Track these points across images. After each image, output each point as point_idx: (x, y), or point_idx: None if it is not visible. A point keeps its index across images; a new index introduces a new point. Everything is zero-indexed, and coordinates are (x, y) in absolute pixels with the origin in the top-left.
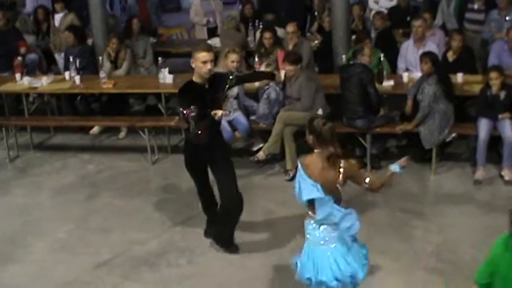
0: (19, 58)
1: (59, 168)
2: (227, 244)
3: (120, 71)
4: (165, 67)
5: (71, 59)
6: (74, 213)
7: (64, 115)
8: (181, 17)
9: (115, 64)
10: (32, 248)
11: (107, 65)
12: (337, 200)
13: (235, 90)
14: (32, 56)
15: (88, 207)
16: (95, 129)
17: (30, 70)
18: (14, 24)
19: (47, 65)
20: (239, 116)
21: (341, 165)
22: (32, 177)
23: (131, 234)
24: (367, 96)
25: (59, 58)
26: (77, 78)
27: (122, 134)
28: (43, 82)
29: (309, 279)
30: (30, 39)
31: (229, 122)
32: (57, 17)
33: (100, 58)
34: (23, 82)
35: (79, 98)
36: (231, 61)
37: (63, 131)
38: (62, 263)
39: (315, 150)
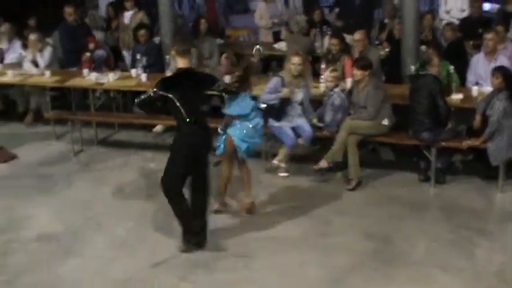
0: (87, 54)
1: (121, 164)
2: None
3: None
4: None
5: (138, 57)
6: (134, 210)
7: (129, 112)
8: (248, 19)
9: None
10: (91, 243)
11: (173, 64)
12: None
13: (300, 95)
14: (100, 52)
15: (148, 206)
16: (158, 128)
17: (97, 66)
18: (84, 20)
19: (114, 61)
20: (303, 123)
21: None
22: (95, 172)
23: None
24: (435, 109)
25: (127, 55)
26: (143, 76)
27: None
28: (110, 78)
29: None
30: (99, 35)
31: (293, 129)
32: (127, 15)
33: (167, 57)
34: (90, 78)
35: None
36: (292, 63)
37: (127, 128)
38: (120, 260)
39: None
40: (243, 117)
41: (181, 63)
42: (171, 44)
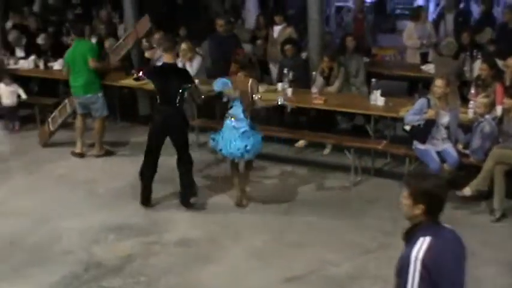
0: (235, 65)
1: (262, 176)
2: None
3: (332, 88)
4: (378, 88)
5: (285, 71)
6: (272, 223)
7: (272, 125)
8: (395, 38)
9: (327, 80)
10: (229, 252)
11: (320, 80)
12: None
13: (446, 118)
14: None
15: (286, 220)
16: (301, 143)
17: None
18: (234, 32)
19: (260, 74)
20: (449, 148)
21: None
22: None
23: (325, 253)
24: None
25: (273, 69)
26: (289, 91)
27: (327, 151)
28: None
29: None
30: (247, 47)
31: (438, 153)
32: (276, 29)
33: (313, 73)
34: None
35: (289, 110)
36: (435, 86)
37: (268, 140)
38: (255, 271)
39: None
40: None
41: (165, 58)
42: (158, 43)
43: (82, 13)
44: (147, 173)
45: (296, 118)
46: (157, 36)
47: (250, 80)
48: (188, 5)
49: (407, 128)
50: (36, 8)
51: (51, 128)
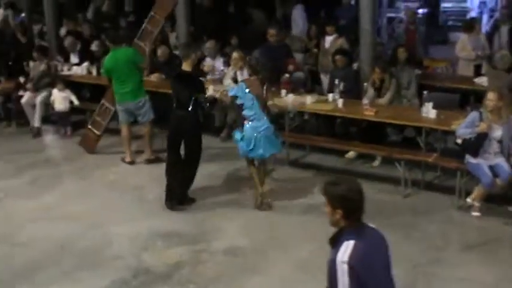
0: (286, 75)
1: (310, 186)
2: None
3: (383, 100)
4: (429, 101)
5: (336, 82)
6: (319, 234)
7: (322, 135)
8: (447, 50)
9: (378, 92)
10: (275, 262)
11: (371, 91)
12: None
13: (499, 132)
14: (299, 74)
15: (333, 231)
16: (351, 154)
17: (295, 87)
18: (285, 42)
19: (311, 84)
20: (502, 162)
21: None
22: (284, 192)
23: None
24: None
25: (324, 79)
26: (340, 101)
27: (376, 163)
28: (306, 101)
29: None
30: (298, 57)
31: (491, 167)
32: (328, 39)
33: (364, 84)
34: (287, 98)
35: (339, 120)
36: (487, 99)
37: (318, 151)
38: (301, 283)
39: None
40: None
41: (184, 65)
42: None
43: (135, 20)
44: (170, 170)
45: (346, 129)
46: (208, 45)
47: (261, 83)
48: (239, 14)
49: (459, 141)
50: (89, 15)
51: (97, 132)
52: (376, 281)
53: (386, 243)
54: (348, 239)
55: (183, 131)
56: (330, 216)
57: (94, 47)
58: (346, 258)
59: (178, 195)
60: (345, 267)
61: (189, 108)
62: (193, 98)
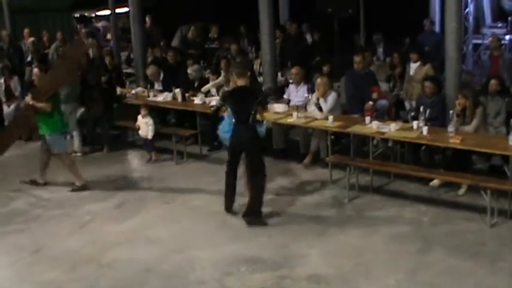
0: (370, 102)
1: (394, 214)
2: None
3: (469, 128)
4: None
5: (421, 109)
6: (405, 262)
7: (406, 163)
8: None
9: (464, 119)
10: None
11: (456, 119)
12: None
13: None
14: (383, 102)
15: (419, 260)
16: (435, 182)
17: (379, 115)
18: (371, 69)
19: (396, 111)
20: None
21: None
22: (368, 219)
23: None
24: None
25: (409, 106)
26: (425, 129)
27: (462, 191)
28: (391, 128)
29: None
30: (383, 85)
31: None
32: (413, 66)
33: (450, 112)
34: (371, 126)
35: (423, 148)
36: None
37: (402, 178)
38: None
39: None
40: None
41: (238, 82)
42: (231, 67)
43: (219, 47)
44: (228, 181)
45: (431, 157)
46: (294, 70)
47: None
48: (325, 41)
49: None
50: (174, 43)
51: None
52: None
53: None
54: None
55: (243, 143)
56: None
57: (190, 70)
58: None
59: (253, 210)
60: None
61: (249, 120)
62: (253, 112)
